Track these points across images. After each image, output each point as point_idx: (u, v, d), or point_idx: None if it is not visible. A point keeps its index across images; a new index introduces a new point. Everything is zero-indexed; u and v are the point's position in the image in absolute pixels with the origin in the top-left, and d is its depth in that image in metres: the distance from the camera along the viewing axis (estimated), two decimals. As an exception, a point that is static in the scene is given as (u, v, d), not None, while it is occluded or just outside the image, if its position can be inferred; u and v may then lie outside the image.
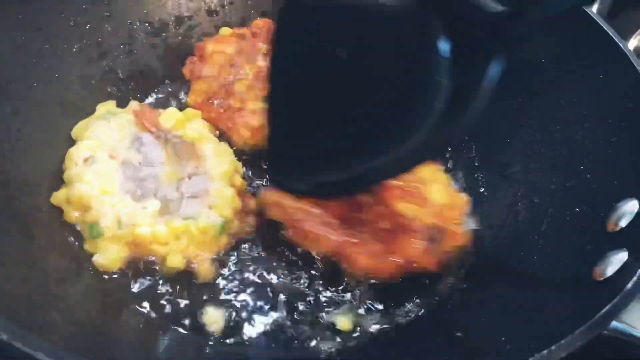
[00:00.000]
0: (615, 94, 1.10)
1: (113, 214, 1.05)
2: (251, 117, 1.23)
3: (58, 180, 1.11)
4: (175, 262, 1.05)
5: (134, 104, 1.22)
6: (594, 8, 1.76)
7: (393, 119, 0.91)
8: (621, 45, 1.11)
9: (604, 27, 1.13)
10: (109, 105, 1.22)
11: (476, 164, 1.25)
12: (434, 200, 1.12)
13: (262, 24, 1.38)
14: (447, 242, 1.09)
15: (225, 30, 1.38)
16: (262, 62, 1.30)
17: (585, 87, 1.16)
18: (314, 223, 1.08)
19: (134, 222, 1.05)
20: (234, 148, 1.24)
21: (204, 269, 1.07)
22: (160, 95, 1.36)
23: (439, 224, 1.09)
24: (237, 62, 1.30)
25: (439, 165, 1.22)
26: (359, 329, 1.04)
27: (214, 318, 1.03)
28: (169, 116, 1.19)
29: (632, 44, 1.67)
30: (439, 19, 0.85)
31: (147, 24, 1.35)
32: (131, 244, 1.06)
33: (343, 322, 1.04)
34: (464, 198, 1.18)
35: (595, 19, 1.15)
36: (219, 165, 1.15)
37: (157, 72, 1.37)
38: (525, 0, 0.79)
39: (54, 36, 1.19)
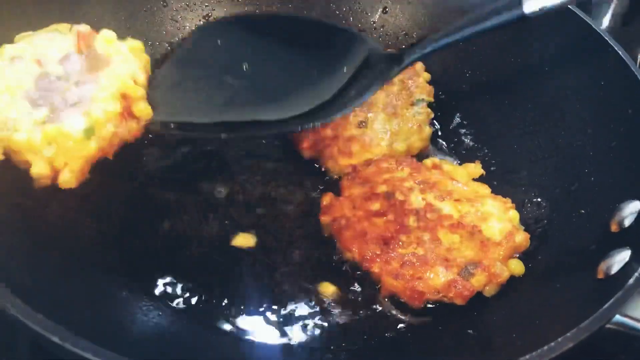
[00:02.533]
0: (615, 100, 1.15)
1: (1, 114, 1.04)
2: (345, 145, 1.27)
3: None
4: (38, 169, 1.04)
5: (82, 26, 1.18)
6: (608, 15, 1.83)
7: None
8: (620, 53, 1.16)
9: (604, 37, 1.19)
10: (61, 26, 1.19)
11: (484, 170, 1.29)
12: (487, 235, 1.09)
13: None
14: (480, 280, 1.05)
15: None
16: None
17: (587, 94, 1.21)
18: (353, 234, 1.11)
19: (17, 129, 1.03)
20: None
21: (65, 177, 1.06)
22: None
23: (477, 258, 1.06)
24: None
25: (508, 202, 1.17)
26: (370, 328, 1.06)
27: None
28: (103, 38, 1.19)
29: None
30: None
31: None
32: (8, 149, 1.05)
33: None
34: (523, 237, 1.11)
35: (595, 28, 1.21)
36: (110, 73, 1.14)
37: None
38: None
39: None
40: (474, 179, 1.25)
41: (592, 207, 1.10)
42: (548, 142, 1.26)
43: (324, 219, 1.17)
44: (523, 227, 1.15)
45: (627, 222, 1.00)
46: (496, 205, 1.15)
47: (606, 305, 0.82)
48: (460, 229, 1.09)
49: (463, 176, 1.24)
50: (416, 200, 1.14)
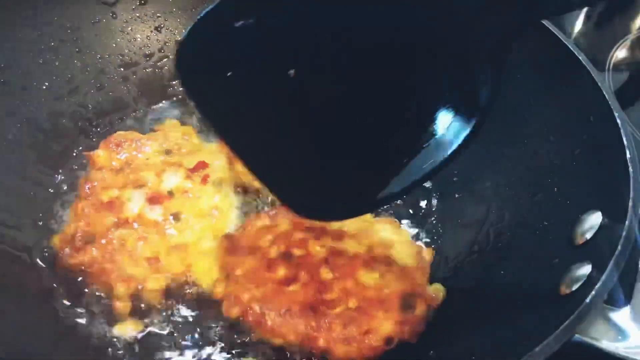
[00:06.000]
0: (577, 107, 1.11)
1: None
2: None
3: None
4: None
5: None
6: (581, 18, 1.80)
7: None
8: (581, 59, 1.13)
9: (565, 43, 1.15)
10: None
11: (450, 180, 1.25)
12: (400, 261, 1.05)
13: None
14: (422, 308, 1.00)
15: None
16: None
17: (549, 101, 1.17)
18: (276, 315, 0.99)
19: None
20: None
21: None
22: (136, 125, 1.36)
23: (409, 288, 1.01)
24: None
25: (392, 219, 1.17)
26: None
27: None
28: None
29: (621, 52, 1.70)
30: None
31: (117, 58, 1.37)
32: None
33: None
34: (429, 253, 1.12)
35: (556, 34, 1.17)
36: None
37: (129, 105, 1.38)
38: None
39: (23, 75, 1.21)
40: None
41: (556, 218, 1.06)
42: (511, 151, 1.21)
43: (232, 312, 1.02)
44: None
45: (588, 235, 0.96)
46: (388, 228, 1.11)
47: (562, 327, 0.78)
48: (375, 264, 1.03)
49: None
50: (316, 249, 1.06)
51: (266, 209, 1.19)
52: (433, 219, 1.25)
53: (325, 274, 1.02)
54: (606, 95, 1.06)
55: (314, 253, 1.05)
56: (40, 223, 1.11)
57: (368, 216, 1.15)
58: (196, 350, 1.02)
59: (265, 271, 1.03)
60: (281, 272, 1.03)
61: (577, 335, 0.82)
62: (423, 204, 1.26)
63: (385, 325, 0.97)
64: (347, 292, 1.00)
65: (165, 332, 1.04)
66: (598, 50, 1.72)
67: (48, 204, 1.15)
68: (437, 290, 1.03)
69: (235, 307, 1.01)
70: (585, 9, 1.86)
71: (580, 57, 1.13)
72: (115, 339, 1.02)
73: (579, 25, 1.83)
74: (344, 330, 0.96)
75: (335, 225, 1.09)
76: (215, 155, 1.23)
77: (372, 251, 1.05)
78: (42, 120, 1.23)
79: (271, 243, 1.07)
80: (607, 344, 0.84)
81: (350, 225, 1.11)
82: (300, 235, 1.07)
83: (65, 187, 1.19)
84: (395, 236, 1.09)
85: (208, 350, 1.02)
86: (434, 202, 1.28)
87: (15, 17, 1.21)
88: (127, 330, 1.03)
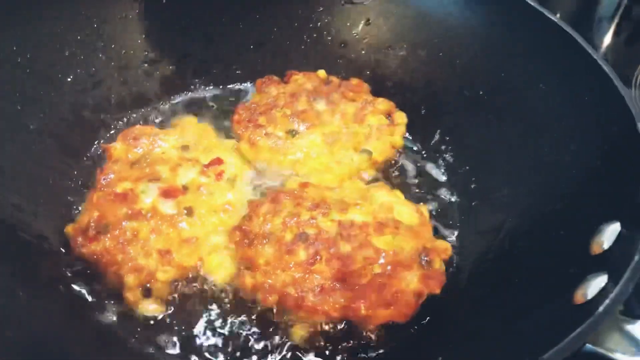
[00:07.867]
0: (600, 117, 1.09)
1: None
2: (261, 137, 1.26)
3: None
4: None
5: None
6: (609, 33, 1.78)
7: None
8: (606, 69, 1.11)
9: (589, 52, 1.14)
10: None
11: (468, 187, 1.23)
12: (404, 221, 1.09)
13: (357, 83, 1.41)
14: (437, 261, 1.05)
15: (321, 73, 1.43)
16: (321, 106, 1.33)
17: (571, 111, 1.15)
18: (313, 295, 1.00)
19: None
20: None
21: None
22: (156, 120, 1.38)
23: (420, 244, 1.05)
24: (296, 95, 1.34)
25: (383, 184, 1.21)
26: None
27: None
28: None
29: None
30: None
31: (141, 53, 1.39)
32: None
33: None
34: (424, 208, 1.16)
35: (580, 43, 1.16)
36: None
37: (150, 100, 1.39)
38: None
39: (48, 67, 1.23)
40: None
41: (573, 228, 1.03)
42: (531, 159, 1.20)
43: (270, 300, 1.02)
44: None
45: (606, 245, 0.94)
46: (384, 193, 1.14)
47: (572, 335, 0.76)
48: (384, 228, 1.06)
49: (334, 181, 1.20)
50: (327, 225, 1.07)
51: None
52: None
53: (344, 246, 1.04)
54: (630, 107, 1.04)
55: (327, 229, 1.06)
56: (56, 211, 1.13)
57: (362, 184, 1.20)
58: (201, 339, 1.04)
59: (287, 255, 1.04)
60: (302, 253, 1.04)
61: (591, 346, 0.80)
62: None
63: (413, 283, 1.01)
64: (370, 260, 1.02)
65: (171, 323, 1.05)
66: (626, 65, 1.70)
67: (65, 193, 1.17)
68: (444, 244, 1.10)
69: (272, 294, 1.02)
70: (614, 24, 1.84)
71: (606, 69, 1.11)
72: (124, 327, 1.03)
73: (607, 40, 1.81)
74: (379, 296, 0.99)
75: (335, 196, 1.13)
76: (231, 152, 1.24)
77: (377, 217, 1.07)
78: (65, 111, 1.25)
79: (283, 227, 1.08)
80: (621, 356, 0.82)
81: (349, 195, 1.14)
82: (307, 214, 1.08)
83: (83, 177, 1.21)
84: (392, 198, 1.13)
85: (216, 340, 1.04)
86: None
87: (42, 10, 1.23)
88: (137, 318, 1.04)
